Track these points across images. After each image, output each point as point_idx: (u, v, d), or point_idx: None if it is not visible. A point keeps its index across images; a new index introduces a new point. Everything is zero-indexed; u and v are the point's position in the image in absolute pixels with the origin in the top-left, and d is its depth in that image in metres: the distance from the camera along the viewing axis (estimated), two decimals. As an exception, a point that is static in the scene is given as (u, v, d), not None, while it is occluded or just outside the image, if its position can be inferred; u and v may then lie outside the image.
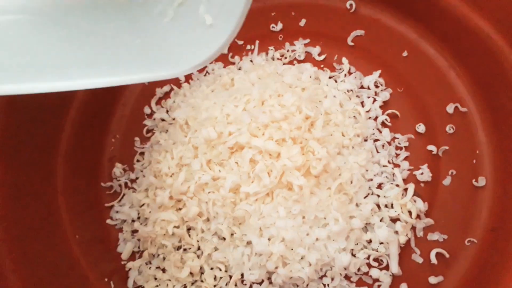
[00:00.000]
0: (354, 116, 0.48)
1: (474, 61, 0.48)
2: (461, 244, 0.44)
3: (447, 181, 0.46)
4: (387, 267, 0.43)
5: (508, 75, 0.45)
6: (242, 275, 0.43)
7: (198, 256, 0.45)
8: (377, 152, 0.47)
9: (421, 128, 0.48)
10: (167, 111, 0.52)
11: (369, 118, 0.49)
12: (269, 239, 0.43)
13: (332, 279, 0.43)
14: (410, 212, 0.44)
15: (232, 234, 0.44)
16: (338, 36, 0.54)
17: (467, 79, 0.49)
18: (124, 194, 0.49)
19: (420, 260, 0.43)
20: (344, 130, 0.47)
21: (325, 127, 0.45)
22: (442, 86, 0.50)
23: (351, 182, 0.45)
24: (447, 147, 0.47)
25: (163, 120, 0.51)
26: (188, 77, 0.54)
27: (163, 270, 0.45)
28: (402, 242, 0.43)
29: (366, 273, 0.43)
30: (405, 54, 0.52)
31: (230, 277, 0.44)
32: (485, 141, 0.47)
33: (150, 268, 0.45)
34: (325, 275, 0.43)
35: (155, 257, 0.46)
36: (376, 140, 0.48)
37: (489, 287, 0.40)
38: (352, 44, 0.53)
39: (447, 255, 0.43)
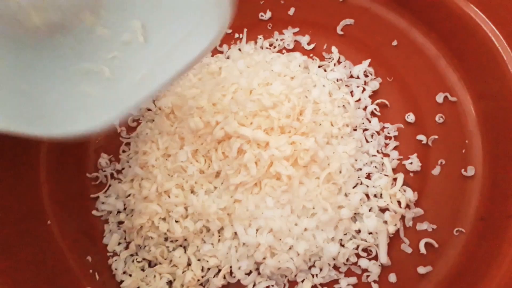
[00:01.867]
0: (343, 106, 0.48)
1: (464, 50, 0.48)
2: (450, 234, 0.43)
3: (436, 170, 0.46)
4: (376, 257, 0.43)
5: (498, 64, 0.44)
6: (231, 266, 0.43)
7: (185, 248, 0.44)
8: (366, 141, 0.47)
9: (410, 117, 0.48)
10: (153, 101, 0.51)
11: (358, 107, 0.48)
12: (257, 230, 0.42)
13: (321, 269, 0.42)
14: (399, 202, 0.44)
15: (221, 228, 0.43)
16: (327, 25, 0.53)
17: (457, 68, 0.49)
18: (110, 185, 0.48)
19: (409, 250, 0.43)
20: (333, 120, 0.46)
21: (314, 117, 0.44)
22: (431, 75, 0.49)
23: (340, 172, 0.44)
24: (436, 137, 0.47)
25: (149, 109, 0.50)
26: (175, 66, 0.53)
27: (150, 262, 0.44)
28: (391, 232, 0.43)
29: (355, 263, 0.43)
30: (395, 43, 0.51)
31: (219, 268, 0.43)
32: (474, 130, 0.47)
33: (136, 259, 0.44)
34: (313, 266, 0.43)
35: (141, 249, 0.45)
36: (365, 129, 0.47)
37: (478, 276, 0.40)
38: (341, 33, 0.53)
39: (436, 245, 0.43)
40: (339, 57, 0.51)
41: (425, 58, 0.50)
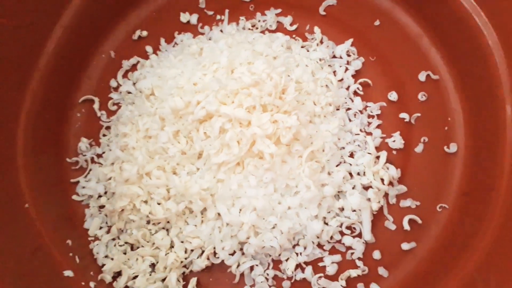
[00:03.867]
0: (326, 85, 0.47)
1: (446, 28, 0.48)
2: (433, 210, 0.43)
3: (419, 148, 0.46)
4: (360, 235, 0.43)
5: (479, 42, 0.44)
6: (214, 247, 0.42)
7: (167, 230, 0.43)
8: (349, 120, 0.47)
9: (393, 96, 0.47)
10: (134, 84, 0.50)
11: (341, 87, 0.48)
12: (240, 210, 0.42)
13: (305, 248, 0.42)
14: (382, 180, 0.44)
15: (204, 209, 0.43)
16: (310, 6, 0.53)
17: (439, 47, 0.49)
18: (90, 169, 0.47)
19: (393, 227, 0.43)
20: (315, 99, 0.46)
21: (297, 96, 0.44)
22: (414, 54, 0.49)
23: (323, 151, 0.44)
24: (419, 115, 0.47)
25: (129, 92, 0.50)
26: (156, 48, 0.52)
27: (132, 246, 0.44)
28: (375, 209, 0.43)
29: (339, 241, 0.43)
30: (377, 23, 0.51)
31: (202, 249, 0.43)
32: (456, 108, 0.47)
33: (118, 243, 0.44)
34: (297, 244, 0.42)
35: (123, 232, 0.44)
36: (348, 109, 0.47)
37: (461, 250, 0.40)
38: (324, 13, 0.52)
39: (420, 221, 0.43)
40: (322, 37, 0.51)
41: (408, 37, 0.50)
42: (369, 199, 0.43)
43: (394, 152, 0.46)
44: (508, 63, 0.42)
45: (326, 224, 0.42)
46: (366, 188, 0.44)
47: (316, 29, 0.51)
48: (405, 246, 0.42)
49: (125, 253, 0.44)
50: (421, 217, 0.43)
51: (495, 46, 0.43)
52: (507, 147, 0.40)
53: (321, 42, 0.51)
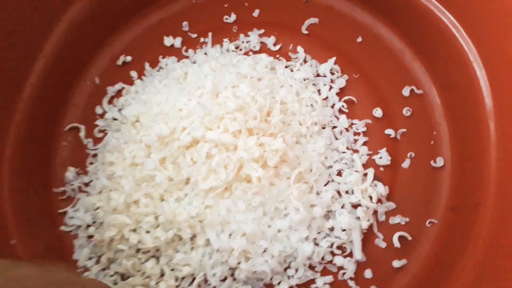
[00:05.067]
0: (311, 105, 0.48)
1: (427, 42, 0.48)
2: (422, 226, 0.44)
3: (406, 163, 0.46)
4: (351, 254, 0.43)
5: (459, 55, 0.45)
6: (205, 274, 0.42)
7: (157, 258, 0.43)
8: (336, 139, 0.47)
9: (378, 112, 0.48)
10: (119, 110, 0.50)
11: (326, 105, 0.48)
12: (230, 235, 0.42)
13: (296, 270, 0.42)
14: (370, 197, 0.44)
15: (194, 235, 0.43)
16: (292, 25, 0.53)
17: (422, 61, 0.49)
18: (78, 199, 0.47)
19: (383, 244, 0.43)
20: (301, 119, 0.46)
21: (282, 117, 0.44)
22: (397, 69, 0.50)
23: (311, 171, 0.44)
24: (404, 130, 0.47)
25: (115, 119, 0.49)
26: (141, 73, 0.52)
27: (122, 276, 0.43)
28: (364, 227, 0.43)
29: (330, 262, 0.43)
30: (359, 39, 0.51)
31: (193, 277, 0.42)
32: (441, 121, 0.47)
33: (108, 273, 0.43)
34: (289, 267, 0.42)
35: (113, 262, 0.44)
36: (334, 127, 0.47)
37: (452, 266, 0.40)
38: (306, 32, 0.53)
39: (410, 238, 0.43)
40: (305, 57, 0.51)
41: (390, 53, 0.51)
42: (358, 218, 0.43)
43: (382, 168, 0.46)
44: (489, 79, 0.42)
45: (317, 245, 0.42)
46: (355, 206, 0.44)
47: (299, 49, 0.51)
48: (396, 263, 0.42)
49: (115, 283, 0.43)
50: (411, 233, 0.43)
51: (476, 61, 0.43)
52: (492, 163, 0.41)
53: (305, 61, 0.51)
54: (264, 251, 0.41)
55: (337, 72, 0.50)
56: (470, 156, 0.43)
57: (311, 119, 0.46)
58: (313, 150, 0.45)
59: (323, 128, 0.47)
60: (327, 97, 0.49)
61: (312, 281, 0.42)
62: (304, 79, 0.49)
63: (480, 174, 0.42)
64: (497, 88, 0.42)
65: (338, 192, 0.44)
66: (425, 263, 0.42)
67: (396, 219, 0.44)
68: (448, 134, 0.46)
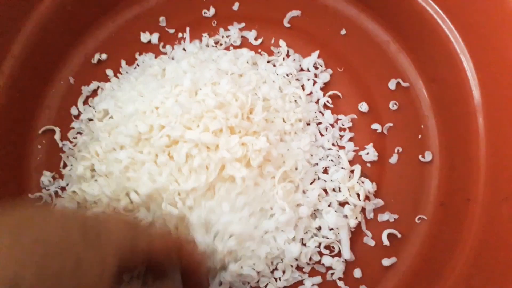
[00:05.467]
0: (295, 101, 0.46)
1: (413, 34, 0.47)
2: (412, 222, 0.42)
3: (393, 159, 0.45)
4: (339, 254, 0.41)
5: (445, 47, 0.43)
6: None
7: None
8: (321, 135, 0.45)
9: (363, 107, 0.46)
10: (94, 108, 0.48)
11: (311, 101, 0.47)
12: (214, 237, 0.40)
13: (284, 272, 0.41)
14: (358, 195, 0.42)
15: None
16: (274, 18, 0.51)
17: (408, 53, 0.48)
18: (55, 204, 0.45)
19: (372, 243, 0.42)
20: (285, 116, 0.44)
21: (265, 114, 0.43)
22: (383, 62, 0.48)
23: (296, 169, 0.42)
24: (391, 124, 0.46)
25: (90, 119, 0.47)
26: (117, 71, 0.50)
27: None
28: (352, 226, 0.42)
29: (318, 262, 0.41)
30: (343, 32, 0.50)
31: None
32: (429, 115, 0.46)
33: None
34: (276, 269, 0.41)
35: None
36: (319, 123, 0.46)
37: (442, 262, 0.39)
38: (288, 25, 0.51)
39: (399, 235, 0.42)
40: (288, 51, 0.50)
41: (375, 45, 0.49)
42: (346, 216, 0.42)
43: (368, 164, 0.45)
44: (477, 71, 0.41)
45: (304, 245, 0.41)
46: (342, 204, 0.43)
47: (282, 43, 0.50)
48: (385, 262, 0.41)
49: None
50: (400, 230, 0.42)
51: (462, 52, 0.42)
52: (481, 156, 0.40)
53: (288, 55, 0.49)
54: (251, 252, 0.40)
55: (321, 66, 0.49)
56: (459, 150, 0.42)
57: (295, 116, 0.45)
58: (298, 148, 0.43)
59: (308, 124, 0.46)
60: (311, 93, 0.47)
61: (300, 282, 0.41)
62: (287, 74, 0.48)
63: (469, 168, 0.41)
64: (484, 80, 0.41)
65: (325, 190, 0.43)
66: (415, 261, 0.41)
67: (385, 216, 0.43)
68: (436, 127, 0.45)
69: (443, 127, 0.45)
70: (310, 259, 0.41)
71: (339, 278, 0.41)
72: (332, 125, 0.46)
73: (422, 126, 0.46)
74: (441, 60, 0.44)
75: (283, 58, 0.49)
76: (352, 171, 0.43)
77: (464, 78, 0.42)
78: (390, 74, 0.48)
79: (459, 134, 0.43)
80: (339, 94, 0.47)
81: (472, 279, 0.37)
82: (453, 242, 0.39)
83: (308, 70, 0.48)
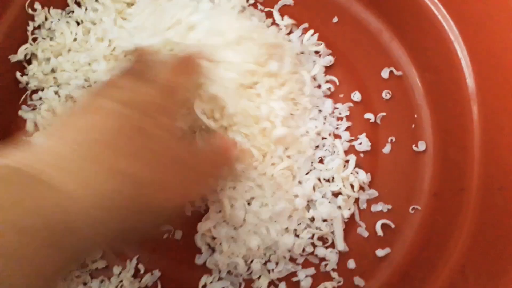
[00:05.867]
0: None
1: (406, 22, 0.46)
2: (405, 213, 0.42)
3: (387, 148, 0.44)
4: (332, 245, 0.41)
5: (441, 34, 0.43)
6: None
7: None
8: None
9: (356, 96, 0.46)
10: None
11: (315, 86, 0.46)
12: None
13: (277, 264, 0.40)
14: (352, 185, 0.42)
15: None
16: (265, 7, 0.50)
17: (401, 41, 0.47)
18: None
19: (366, 233, 0.42)
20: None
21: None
22: (375, 50, 0.48)
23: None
24: (384, 114, 0.45)
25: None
26: None
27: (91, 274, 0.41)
28: (346, 217, 0.41)
29: (312, 253, 0.41)
30: (335, 20, 0.49)
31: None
32: (422, 104, 0.45)
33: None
34: (269, 260, 0.40)
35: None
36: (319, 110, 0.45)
37: (437, 253, 0.39)
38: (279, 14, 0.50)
39: (393, 226, 0.42)
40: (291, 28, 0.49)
41: (368, 33, 0.48)
42: (339, 207, 0.41)
43: (362, 154, 0.44)
44: (471, 60, 0.41)
45: (297, 236, 0.40)
46: (335, 194, 0.42)
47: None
48: (380, 252, 0.41)
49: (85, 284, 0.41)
50: (394, 221, 0.42)
51: (457, 40, 0.42)
52: (475, 146, 0.39)
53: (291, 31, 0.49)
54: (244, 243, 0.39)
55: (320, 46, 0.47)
56: (453, 139, 0.42)
57: (303, 99, 0.43)
58: (302, 135, 0.42)
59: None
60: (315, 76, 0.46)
61: (294, 274, 0.40)
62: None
63: (463, 158, 0.40)
64: (479, 68, 0.40)
65: (318, 179, 0.42)
66: (409, 251, 0.41)
67: (378, 207, 0.42)
68: (430, 117, 0.45)
69: (437, 116, 0.44)
70: (304, 250, 0.40)
71: (333, 269, 0.41)
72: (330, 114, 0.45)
73: (416, 116, 0.45)
74: (435, 48, 0.44)
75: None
76: (347, 161, 0.43)
77: (458, 67, 0.42)
78: (383, 63, 0.47)
79: (453, 124, 0.42)
80: (336, 80, 0.46)
81: (466, 269, 0.37)
82: (447, 232, 0.39)
83: (317, 53, 0.47)
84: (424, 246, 0.40)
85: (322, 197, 0.41)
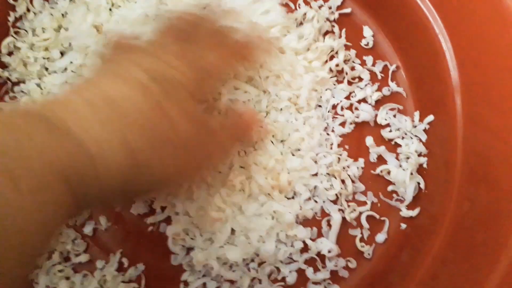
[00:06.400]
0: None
1: (392, 14, 0.46)
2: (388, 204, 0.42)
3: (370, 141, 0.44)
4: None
5: (425, 26, 0.42)
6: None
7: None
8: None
9: (342, 87, 0.46)
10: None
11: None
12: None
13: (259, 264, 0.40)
14: (343, 181, 0.42)
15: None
16: None
17: (386, 33, 0.47)
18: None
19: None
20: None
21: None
22: (359, 42, 0.48)
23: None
24: (368, 105, 0.45)
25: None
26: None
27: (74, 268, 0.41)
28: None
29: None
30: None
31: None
32: (407, 95, 0.45)
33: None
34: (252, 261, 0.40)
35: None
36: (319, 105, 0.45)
37: (419, 244, 0.39)
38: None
39: (378, 216, 0.42)
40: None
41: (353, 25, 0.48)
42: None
43: (347, 146, 0.44)
44: (455, 52, 0.41)
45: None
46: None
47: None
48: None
49: (67, 278, 0.40)
50: (378, 212, 0.42)
51: (441, 33, 0.41)
52: (459, 138, 0.39)
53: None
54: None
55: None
56: (436, 130, 0.42)
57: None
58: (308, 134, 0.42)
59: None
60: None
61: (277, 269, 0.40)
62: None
63: (446, 149, 0.40)
64: (463, 61, 0.40)
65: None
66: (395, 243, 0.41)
67: (362, 197, 0.42)
68: (414, 108, 0.45)
69: (421, 108, 0.44)
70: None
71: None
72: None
73: (401, 107, 0.45)
74: (419, 40, 0.44)
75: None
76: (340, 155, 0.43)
77: (442, 59, 0.42)
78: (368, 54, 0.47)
79: (437, 115, 0.43)
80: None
81: (447, 258, 0.37)
82: (430, 227, 0.39)
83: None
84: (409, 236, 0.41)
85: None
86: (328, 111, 0.44)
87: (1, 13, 0.46)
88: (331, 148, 0.43)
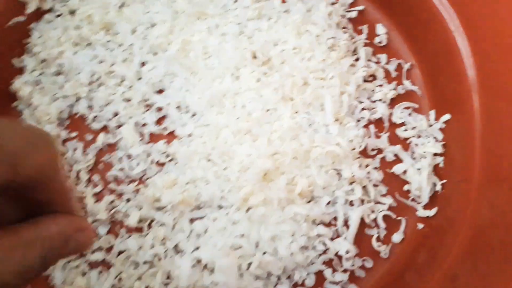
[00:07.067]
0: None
1: (407, 11, 0.46)
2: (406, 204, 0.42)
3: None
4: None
5: (441, 23, 0.43)
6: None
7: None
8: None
9: (356, 87, 0.45)
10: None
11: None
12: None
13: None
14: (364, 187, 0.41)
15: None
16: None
17: (400, 31, 0.47)
18: None
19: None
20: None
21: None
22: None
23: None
24: (384, 105, 0.45)
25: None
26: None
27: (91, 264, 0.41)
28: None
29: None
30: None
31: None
32: (423, 94, 0.45)
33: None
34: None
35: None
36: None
37: (438, 245, 0.39)
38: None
39: (394, 216, 0.41)
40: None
41: (366, 23, 0.48)
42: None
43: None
44: (472, 49, 0.40)
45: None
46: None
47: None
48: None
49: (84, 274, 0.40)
50: (395, 213, 0.41)
51: (457, 30, 0.41)
52: (477, 136, 0.38)
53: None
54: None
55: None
56: (453, 129, 0.42)
57: None
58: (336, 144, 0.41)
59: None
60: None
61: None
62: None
63: (464, 148, 0.40)
64: (480, 58, 0.40)
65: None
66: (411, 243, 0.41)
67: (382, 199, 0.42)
68: (429, 107, 0.44)
69: (437, 107, 0.44)
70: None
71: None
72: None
73: (417, 106, 0.45)
74: (435, 38, 0.44)
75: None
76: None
77: (458, 57, 0.41)
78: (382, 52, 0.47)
79: (453, 113, 0.42)
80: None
81: (467, 260, 0.36)
82: (448, 224, 0.39)
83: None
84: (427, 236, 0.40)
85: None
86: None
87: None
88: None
